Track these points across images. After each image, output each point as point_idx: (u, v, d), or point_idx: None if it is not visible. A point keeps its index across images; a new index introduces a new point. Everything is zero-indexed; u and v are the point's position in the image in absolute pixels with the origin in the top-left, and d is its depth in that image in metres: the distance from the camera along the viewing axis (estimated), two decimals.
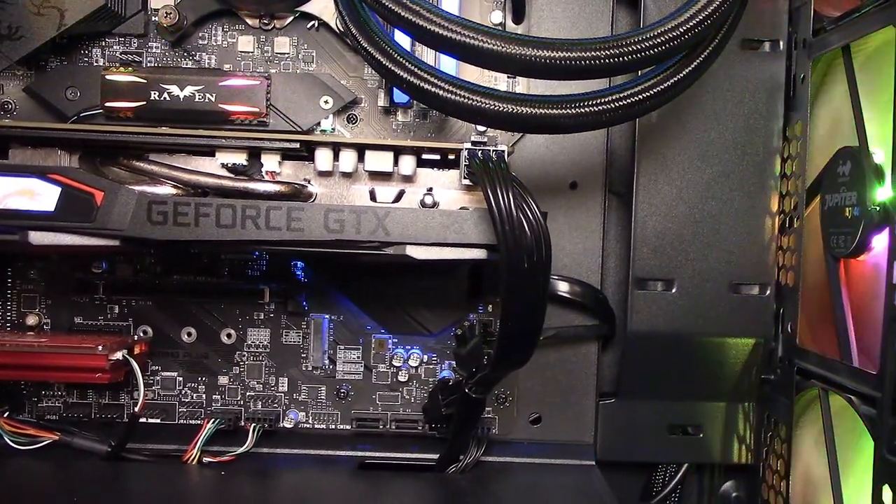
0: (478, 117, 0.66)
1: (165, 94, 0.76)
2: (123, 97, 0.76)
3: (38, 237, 0.68)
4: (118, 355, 0.77)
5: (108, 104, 0.76)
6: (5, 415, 0.81)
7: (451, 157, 0.74)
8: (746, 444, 0.86)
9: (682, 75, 0.66)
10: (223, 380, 0.86)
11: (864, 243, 0.68)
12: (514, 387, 0.86)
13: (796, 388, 0.78)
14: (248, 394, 0.86)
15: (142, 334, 0.85)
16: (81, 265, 0.84)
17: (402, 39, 0.74)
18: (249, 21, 0.81)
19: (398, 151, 0.73)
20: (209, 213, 0.68)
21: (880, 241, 0.67)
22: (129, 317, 0.85)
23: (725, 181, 0.80)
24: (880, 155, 0.68)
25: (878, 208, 0.67)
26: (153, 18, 0.80)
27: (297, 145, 0.72)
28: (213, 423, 0.81)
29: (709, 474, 0.90)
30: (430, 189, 0.74)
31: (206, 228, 0.68)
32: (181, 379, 0.86)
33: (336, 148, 0.73)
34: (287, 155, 0.74)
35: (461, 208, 0.73)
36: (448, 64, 0.78)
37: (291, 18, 0.81)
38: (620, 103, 0.64)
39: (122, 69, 0.77)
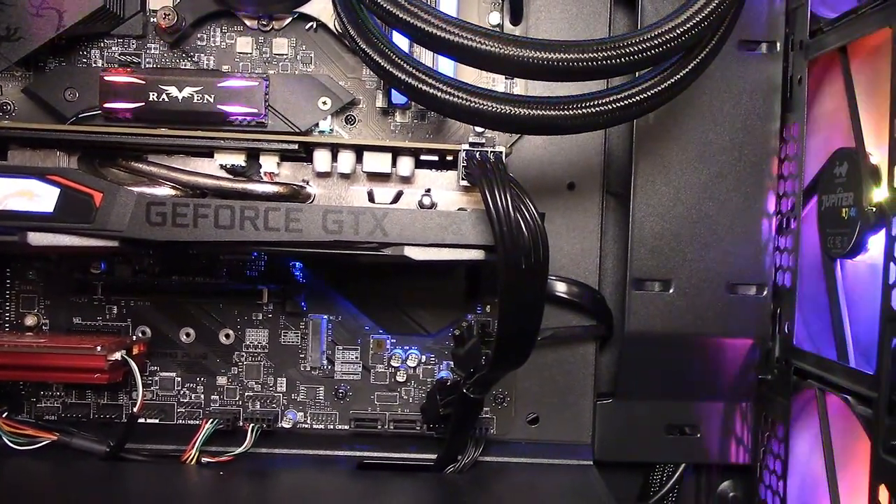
0: (476, 118, 0.66)
1: (164, 96, 0.76)
2: (122, 98, 0.76)
3: (36, 238, 0.68)
4: (117, 356, 0.77)
5: (106, 105, 0.76)
6: (4, 415, 0.81)
7: (450, 158, 0.74)
8: (744, 444, 0.86)
9: (679, 76, 0.66)
10: (222, 380, 0.86)
11: (861, 244, 0.69)
12: (511, 387, 0.86)
13: (793, 389, 0.78)
14: (246, 394, 0.86)
15: (140, 335, 0.85)
16: (80, 266, 0.84)
17: (400, 41, 0.74)
18: (248, 22, 0.81)
19: (396, 152, 0.73)
20: (208, 214, 0.68)
21: (876, 242, 0.67)
22: (128, 317, 0.85)
23: (723, 182, 0.80)
24: (877, 156, 0.68)
25: (874, 209, 0.67)
26: (152, 20, 0.81)
27: (296, 146, 0.72)
28: (212, 423, 0.81)
29: (706, 474, 0.91)
30: (429, 190, 0.74)
31: (205, 229, 0.68)
32: (179, 379, 0.86)
33: (334, 149, 0.73)
34: (285, 156, 0.74)
35: (459, 209, 0.73)
36: (446, 65, 0.78)
37: (290, 20, 0.81)
38: (618, 104, 0.65)
39: (120, 70, 0.78)
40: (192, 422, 0.85)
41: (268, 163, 0.73)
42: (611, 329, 0.86)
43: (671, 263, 0.81)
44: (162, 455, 0.81)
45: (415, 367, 0.86)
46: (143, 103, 0.76)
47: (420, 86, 0.64)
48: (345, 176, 0.75)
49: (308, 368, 0.86)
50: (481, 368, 0.71)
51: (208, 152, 0.74)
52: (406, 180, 0.74)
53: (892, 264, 0.61)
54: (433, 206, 0.74)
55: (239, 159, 0.73)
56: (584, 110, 0.64)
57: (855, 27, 0.70)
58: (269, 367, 0.86)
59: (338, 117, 0.82)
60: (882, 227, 0.65)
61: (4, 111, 0.80)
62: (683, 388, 0.85)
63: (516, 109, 0.63)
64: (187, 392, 0.86)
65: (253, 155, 0.74)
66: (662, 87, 0.65)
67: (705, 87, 0.79)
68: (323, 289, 0.86)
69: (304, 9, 0.80)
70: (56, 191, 0.67)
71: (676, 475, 0.88)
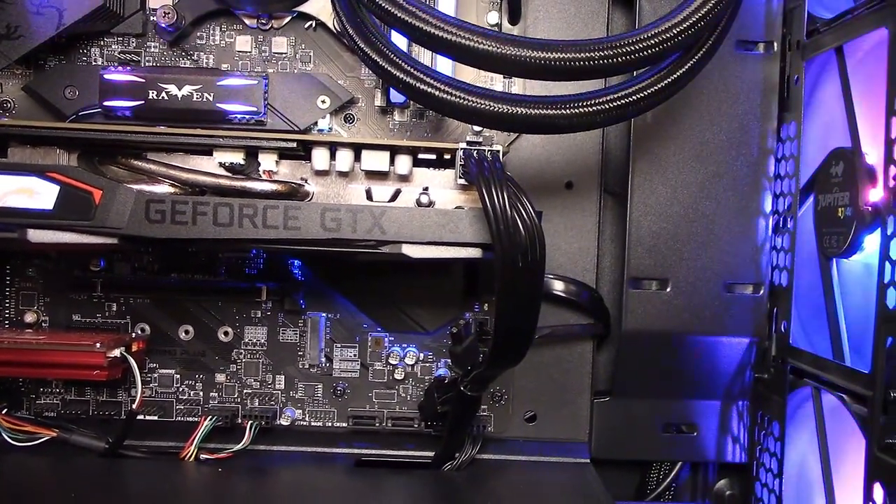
0: (474, 117, 0.67)
1: (163, 94, 0.76)
2: (121, 96, 0.76)
3: (36, 235, 0.68)
4: (116, 353, 0.78)
5: (106, 103, 0.76)
6: (3, 412, 0.81)
7: (447, 156, 0.74)
8: (740, 443, 0.87)
9: (676, 76, 0.66)
10: (220, 377, 0.86)
11: (857, 243, 0.69)
12: (509, 385, 0.86)
13: (789, 387, 0.78)
14: (245, 391, 0.86)
15: (139, 332, 0.85)
16: (80, 263, 0.85)
17: (399, 40, 0.74)
18: (247, 21, 0.82)
19: (394, 151, 0.74)
20: (207, 212, 0.68)
21: (872, 241, 0.68)
22: (127, 314, 0.85)
23: (720, 181, 0.81)
24: (873, 156, 0.69)
25: (870, 209, 0.67)
26: (151, 18, 0.81)
27: (294, 145, 0.72)
28: (210, 420, 0.81)
29: (703, 472, 0.91)
30: (426, 188, 0.75)
31: (204, 227, 0.68)
32: (178, 376, 0.86)
33: (333, 147, 0.74)
34: (284, 154, 0.74)
35: (457, 207, 0.73)
36: (444, 65, 0.79)
37: (289, 18, 0.82)
38: (615, 104, 0.65)
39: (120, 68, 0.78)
40: (190, 419, 0.85)
41: (267, 161, 0.74)
42: (608, 328, 0.86)
43: (668, 262, 0.81)
44: (161, 452, 0.81)
45: (413, 365, 0.87)
46: (142, 101, 0.76)
47: (418, 85, 0.64)
48: (343, 174, 0.75)
49: (306, 366, 0.86)
50: (479, 366, 0.71)
51: (207, 150, 0.74)
52: (404, 179, 0.75)
53: (887, 263, 0.61)
54: (431, 204, 0.74)
55: (238, 157, 0.73)
56: (581, 109, 0.64)
57: (851, 27, 0.71)
58: (267, 365, 0.86)
59: (336, 116, 0.82)
60: (877, 226, 0.66)
61: (4, 109, 0.81)
62: (680, 387, 0.85)
63: (514, 109, 0.64)
64: (186, 389, 0.86)
65: (252, 153, 0.74)
66: (660, 86, 0.66)
67: (703, 87, 0.80)
68: (321, 287, 0.86)
69: (304, 8, 0.80)
70: (56, 188, 0.68)
71: (673, 473, 0.89)
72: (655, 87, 0.66)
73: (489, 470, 0.82)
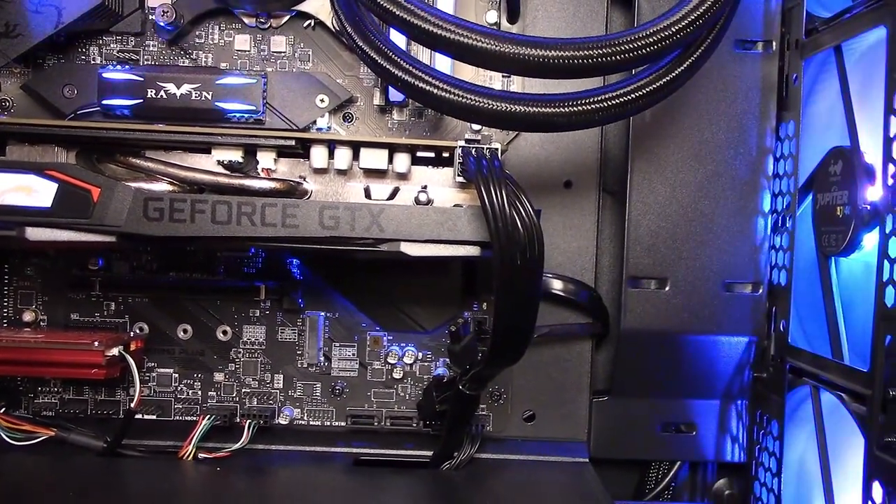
0: (473, 116, 0.67)
1: (162, 93, 0.76)
2: (120, 95, 0.76)
3: (34, 233, 0.68)
4: (114, 351, 0.78)
5: (104, 102, 0.76)
6: (2, 410, 0.81)
7: (446, 154, 0.74)
8: (739, 442, 0.87)
9: (675, 74, 0.66)
10: (219, 376, 0.86)
11: (855, 242, 0.69)
12: (508, 384, 0.86)
13: (788, 386, 0.78)
14: (243, 390, 0.86)
15: (138, 331, 0.85)
16: (78, 262, 0.84)
17: (398, 39, 0.74)
18: (246, 20, 0.82)
19: (393, 149, 0.74)
20: (205, 210, 0.68)
21: (871, 240, 0.68)
22: (126, 313, 0.85)
23: (718, 180, 0.81)
24: (871, 154, 0.69)
25: (868, 207, 0.67)
26: (150, 17, 0.81)
27: (293, 143, 0.72)
28: (209, 419, 0.81)
29: (701, 472, 0.91)
30: (425, 186, 0.75)
31: (202, 225, 0.68)
32: (177, 375, 0.86)
33: (331, 145, 0.74)
34: (283, 152, 0.75)
35: (455, 206, 0.73)
36: (443, 63, 0.78)
37: (288, 17, 0.82)
38: (614, 102, 0.65)
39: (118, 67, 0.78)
40: (189, 418, 0.85)
41: (265, 159, 0.74)
42: (607, 327, 0.86)
43: (667, 261, 0.81)
44: (159, 451, 0.81)
45: (411, 364, 0.86)
46: (141, 100, 0.76)
47: (417, 83, 0.64)
48: (341, 172, 0.75)
49: (305, 365, 0.86)
50: (477, 365, 0.71)
51: (206, 148, 0.74)
52: (402, 177, 0.75)
53: (886, 262, 0.61)
54: (429, 202, 0.74)
55: (236, 155, 0.73)
56: (580, 108, 0.64)
57: (850, 26, 0.71)
58: (266, 364, 0.86)
59: (335, 115, 0.82)
60: (876, 225, 0.66)
61: (3, 107, 0.81)
62: (679, 386, 0.85)
63: (513, 107, 0.64)
64: (184, 388, 0.86)
65: (250, 151, 0.74)
66: (659, 84, 0.66)
67: (701, 86, 0.80)
68: (320, 286, 0.86)
69: (303, 7, 0.80)
70: (54, 186, 0.68)
71: (672, 473, 0.89)
72: (654, 86, 0.66)
73: (488, 469, 0.82)
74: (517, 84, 0.84)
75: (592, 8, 0.84)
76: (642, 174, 0.81)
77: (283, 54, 0.82)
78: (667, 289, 0.81)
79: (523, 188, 0.63)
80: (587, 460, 0.85)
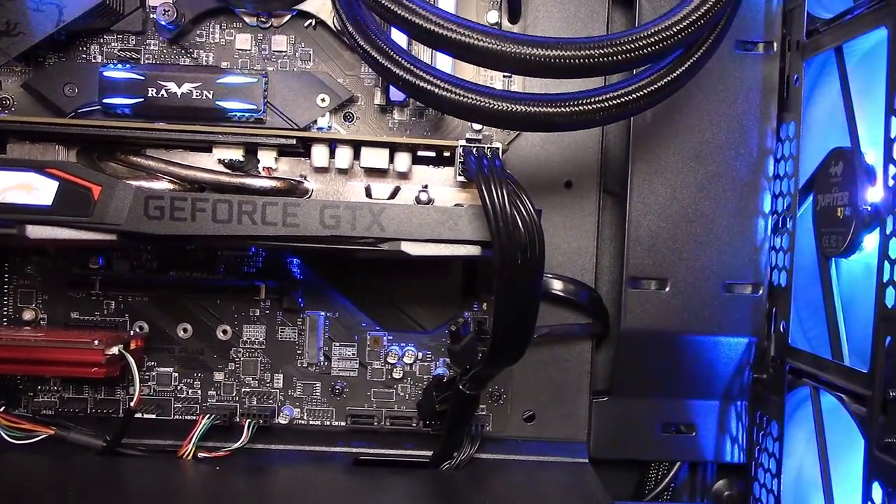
0: (474, 115, 0.67)
1: (163, 91, 0.76)
2: (121, 94, 0.76)
3: (35, 231, 0.68)
4: (114, 350, 0.78)
5: (105, 101, 0.76)
6: (2, 409, 0.80)
7: (447, 154, 0.74)
8: (738, 443, 0.87)
9: (676, 75, 0.66)
10: (218, 376, 0.86)
11: (856, 243, 0.69)
12: (508, 384, 0.86)
13: (788, 387, 0.78)
14: (243, 390, 0.86)
15: (138, 330, 0.85)
16: (78, 261, 0.84)
17: (399, 38, 0.74)
18: (247, 19, 0.82)
19: (394, 148, 0.74)
20: (205, 209, 0.68)
21: (871, 241, 0.68)
22: (126, 313, 0.85)
23: (719, 181, 0.81)
24: (872, 155, 0.69)
25: (869, 208, 0.67)
26: (151, 15, 0.81)
27: (294, 141, 0.72)
28: (208, 418, 0.81)
29: (701, 472, 0.91)
30: (426, 186, 0.75)
31: (203, 224, 0.68)
32: (177, 375, 0.86)
33: (332, 144, 0.74)
34: (283, 151, 0.75)
35: (456, 205, 0.73)
36: (444, 63, 0.78)
37: (289, 17, 0.82)
38: (615, 102, 0.65)
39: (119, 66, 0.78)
40: (188, 417, 0.85)
41: (266, 158, 0.74)
42: (607, 327, 0.86)
43: (667, 262, 0.81)
44: (158, 450, 0.81)
45: (411, 364, 0.86)
46: (141, 99, 0.76)
47: (418, 82, 0.64)
48: (342, 171, 0.75)
49: (305, 365, 0.86)
50: (477, 365, 0.71)
51: (207, 147, 0.74)
52: (403, 176, 0.75)
53: (886, 263, 0.61)
54: (430, 201, 0.74)
55: (237, 154, 0.73)
56: (581, 108, 0.64)
57: (851, 27, 0.71)
58: (265, 363, 0.86)
59: (336, 114, 0.82)
60: (876, 226, 0.66)
61: (4, 105, 0.80)
62: (679, 387, 0.85)
63: (513, 106, 0.64)
64: (184, 387, 0.86)
65: (251, 150, 0.74)
66: (659, 84, 0.66)
67: (702, 87, 0.80)
68: (320, 285, 0.86)
69: (304, 6, 0.80)
70: (55, 184, 0.68)
71: (672, 473, 0.89)
72: (655, 86, 0.66)
73: (487, 469, 0.82)
74: (518, 84, 0.84)
75: (593, 8, 0.84)
76: (643, 174, 0.81)
77: (283, 53, 0.82)
78: (667, 289, 0.81)
79: (524, 188, 0.63)
80: (587, 460, 0.85)
